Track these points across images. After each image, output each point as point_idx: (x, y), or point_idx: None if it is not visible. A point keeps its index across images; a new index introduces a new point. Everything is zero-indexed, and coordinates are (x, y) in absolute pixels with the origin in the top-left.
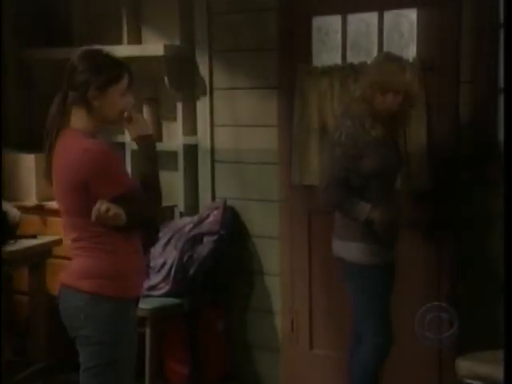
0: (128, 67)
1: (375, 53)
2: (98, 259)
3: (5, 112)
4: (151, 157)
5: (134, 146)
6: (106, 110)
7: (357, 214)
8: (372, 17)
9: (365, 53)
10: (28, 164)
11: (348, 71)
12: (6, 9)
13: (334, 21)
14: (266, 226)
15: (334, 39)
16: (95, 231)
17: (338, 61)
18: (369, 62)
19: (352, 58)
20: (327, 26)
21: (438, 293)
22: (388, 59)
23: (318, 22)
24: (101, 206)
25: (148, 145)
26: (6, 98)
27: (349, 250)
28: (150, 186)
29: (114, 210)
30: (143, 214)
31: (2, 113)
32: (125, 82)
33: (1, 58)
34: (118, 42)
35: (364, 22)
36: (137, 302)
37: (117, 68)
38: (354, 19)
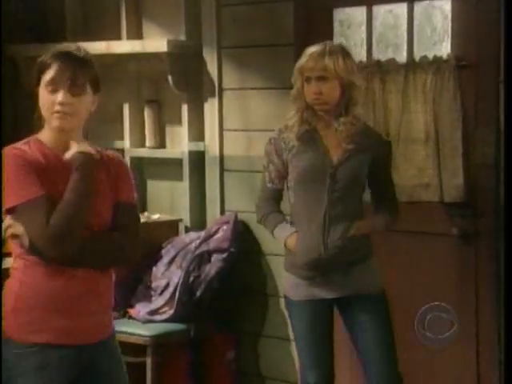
0: (61, 56)
1: (404, 48)
2: (7, 288)
3: None
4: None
5: (134, 153)
6: (39, 111)
7: (277, 237)
8: (401, 8)
9: (393, 48)
10: None
11: (374, 69)
12: None
13: (358, 13)
14: (281, 244)
15: (358, 33)
16: (15, 251)
17: (363, 57)
18: (397, 58)
19: (378, 55)
20: (350, 19)
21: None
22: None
23: (340, 14)
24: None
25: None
26: None
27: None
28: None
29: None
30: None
31: (1, 112)
32: (51, 73)
33: (1, 57)
34: (117, 37)
35: (392, 14)
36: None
37: (45, 56)
38: (381, 11)
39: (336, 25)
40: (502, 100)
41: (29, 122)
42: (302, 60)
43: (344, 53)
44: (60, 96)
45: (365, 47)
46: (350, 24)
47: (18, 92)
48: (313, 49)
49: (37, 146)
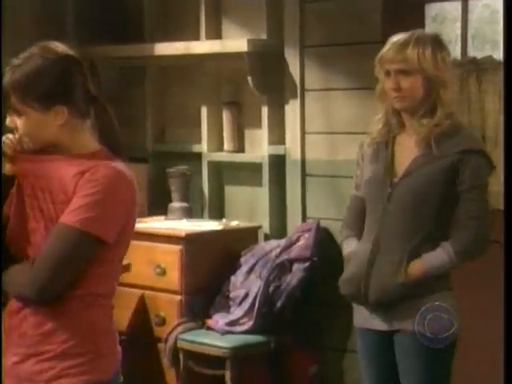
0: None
1: (501, 45)
2: None
3: None
4: None
5: (212, 157)
6: None
7: (343, 251)
8: (498, 2)
9: (490, 45)
10: None
11: (469, 67)
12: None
13: (453, 7)
14: None
15: (452, 29)
16: None
17: (457, 55)
18: (495, 56)
19: (474, 52)
20: (444, 14)
21: None
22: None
23: (433, 9)
24: None
25: None
26: None
27: None
28: None
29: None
30: None
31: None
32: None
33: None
34: (195, 37)
35: (489, 9)
36: None
37: None
38: (477, 5)
39: (428, 20)
40: None
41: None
42: (383, 50)
43: (435, 44)
44: (7, 121)
45: (459, 44)
46: (443, 19)
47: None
48: (397, 37)
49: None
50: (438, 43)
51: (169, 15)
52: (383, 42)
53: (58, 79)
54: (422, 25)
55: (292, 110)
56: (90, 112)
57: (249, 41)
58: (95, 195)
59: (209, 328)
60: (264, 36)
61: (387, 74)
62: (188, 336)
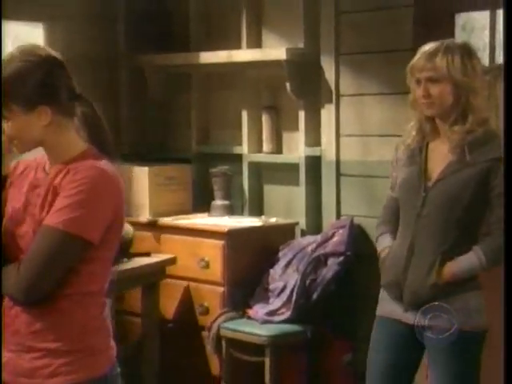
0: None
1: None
2: None
3: (116, 121)
4: None
5: (252, 158)
6: None
7: (377, 247)
8: None
9: None
10: (141, 177)
11: (497, 73)
12: (118, 10)
13: (481, 16)
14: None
15: (481, 37)
16: None
17: (486, 62)
18: None
19: (502, 59)
20: (472, 23)
21: None
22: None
23: (462, 18)
24: None
25: None
26: (118, 105)
27: None
28: None
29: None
30: None
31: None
32: None
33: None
34: (237, 45)
35: None
36: None
37: None
38: None
39: (458, 29)
40: None
41: (157, 129)
42: (414, 59)
43: (464, 52)
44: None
45: (487, 51)
46: (472, 28)
47: (146, 100)
48: (427, 46)
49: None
50: (467, 51)
51: (212, 26)
52: (414, 50)
53: (40, 81)
54: (451, 33)
55: (327, 113)
56: (75, 111)
57: (287, 49)
58: (78, 195)
59: (249, 317)
60: (301, 45)
61: (418, 82)
62: (230, 325)
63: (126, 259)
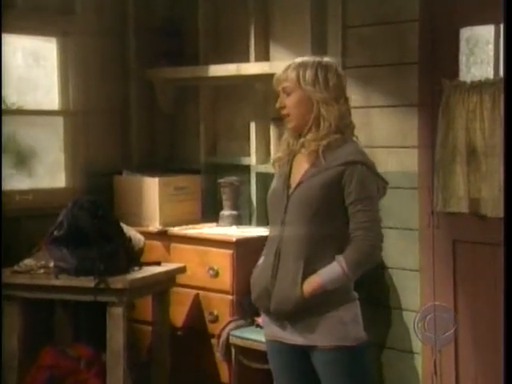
0: None
1: None
2: None
3: (127, 133)
4: None
5: (260, 169)
6: None
7: None
8: None
9: None
10: (151, 187)
11: (500, 85)
12: (128, 26)
13: (485, 31)
14: (405, 257)
15: (485, 51)
16: None
17: (490, 75)
18: None
19: None
20: (476, 37)
21: None
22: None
23: (467, 32)
24: None
25: None
26: (128, 118)
27: None
28: None
29: None
30: None
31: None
32: None
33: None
34: (245, 59)
35: None
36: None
37: None
38: None
39: (462, 43)
40: None
41: (166, 141)
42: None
43: (320, 66)
44: None
45: (492, 64)
46: (476, 42)
47: (156, 113)
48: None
49: None
50: (323, 66)
51: (221, 40)
52: (419, 64)
53: None
54: (456, 47)
55: None
56: None
57: None
58: None
59: (258, 325)
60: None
61: (279, 93)
62: (239, 333)
63: (136, 268)
